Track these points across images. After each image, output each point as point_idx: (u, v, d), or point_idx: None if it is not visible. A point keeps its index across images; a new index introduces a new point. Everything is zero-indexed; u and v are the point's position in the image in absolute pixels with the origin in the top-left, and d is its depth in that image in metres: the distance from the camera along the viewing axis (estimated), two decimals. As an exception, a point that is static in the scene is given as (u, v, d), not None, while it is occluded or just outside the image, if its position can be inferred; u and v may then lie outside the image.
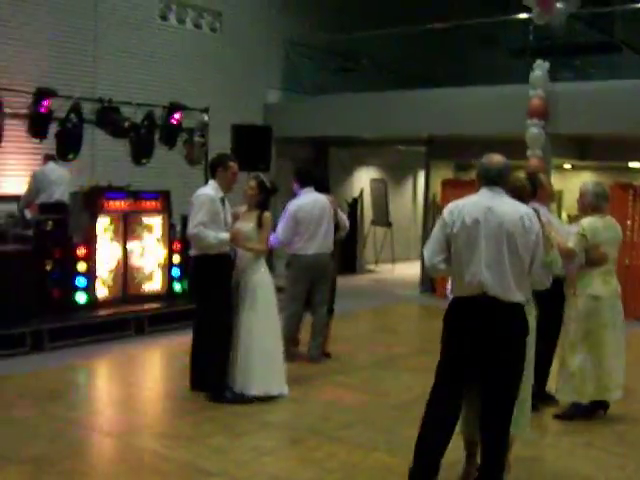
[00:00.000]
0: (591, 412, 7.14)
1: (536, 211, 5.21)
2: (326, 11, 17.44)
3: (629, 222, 12.67)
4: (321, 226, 8.61)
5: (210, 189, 7.37)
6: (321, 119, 15.86)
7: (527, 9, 13.67)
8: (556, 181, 12.22)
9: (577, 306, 6.97)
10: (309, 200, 8.66)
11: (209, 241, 7.13)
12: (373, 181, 19.28)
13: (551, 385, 7.35)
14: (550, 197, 7.59)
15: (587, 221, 6.95)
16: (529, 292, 5.16)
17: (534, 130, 13.09)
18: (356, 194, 18.78)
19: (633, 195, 12.79)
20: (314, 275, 8.60)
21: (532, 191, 7.39)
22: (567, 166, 17.22)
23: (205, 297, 7.40)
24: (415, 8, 17.49)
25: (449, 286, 9.82)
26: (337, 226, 8.99)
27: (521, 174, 5.70)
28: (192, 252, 7.45)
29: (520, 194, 5.45)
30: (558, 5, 13.03)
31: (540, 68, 13.23)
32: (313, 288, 8.74)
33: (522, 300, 5.02)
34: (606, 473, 5.88)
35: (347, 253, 17.87)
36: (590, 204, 7.04)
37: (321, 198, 8.74)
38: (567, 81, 14.43)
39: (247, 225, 7.38)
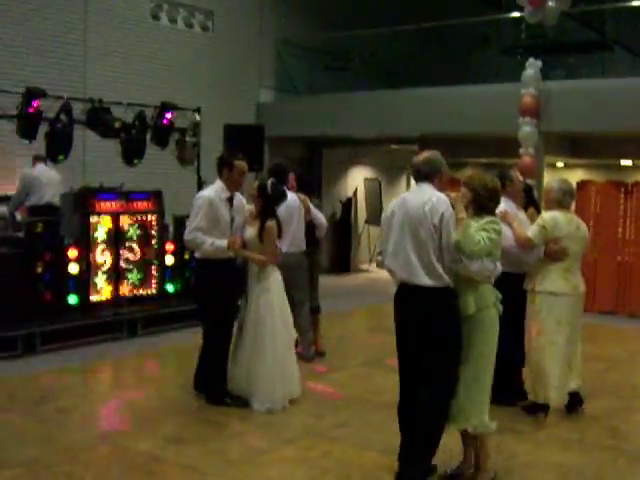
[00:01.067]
0: (570, 407, 7.10)
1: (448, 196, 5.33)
2: (318, 10, 17.42)
3: (621, 220, 12.68)
4: (290, 225, 8.38)
5: (212, 190, 7.18)
6: (314, 119, 15.84)
7: (519, 8, 13.68)
8: (548, 179, 12.20)
9: (534, 303, 6.97)
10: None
11: (205, 248, 7.00)
12: (367, 180, 19.26)
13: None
14: (520, 193, 7.58)
15: (548, 214, 6.97)
16: (445, 276, 5.18)
17: (526, 128, 13.11)
18: (350, 193, 18.76)
19: (625, 193, 12.80)
20: (286, 274, 8.39)
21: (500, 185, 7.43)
22: (560, 164, 17.24)
23: (205, 300, 7.33)
24: (407, 7, 17.47)
25: None
26: (313, 225, 8.89)
27: (488, 175, 5.68)
28: (196, 254, 7.35)
29: (490, 197, 5.50)
30: (550, 3, 13.04)
31: (532, 66, 13.24)
32: (289, 288, 8.58)
33: (435, 284, 5.15)
34: (598, 467, 5.90)
35: (341, 252, 17.86)
36: (556, 200, 7.01)
37: (290, 197, 8.59)
38: (559, 79, 14.43)
39: (252, 232, 7.20)
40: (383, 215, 5.66)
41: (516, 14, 14.45)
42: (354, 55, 17.68)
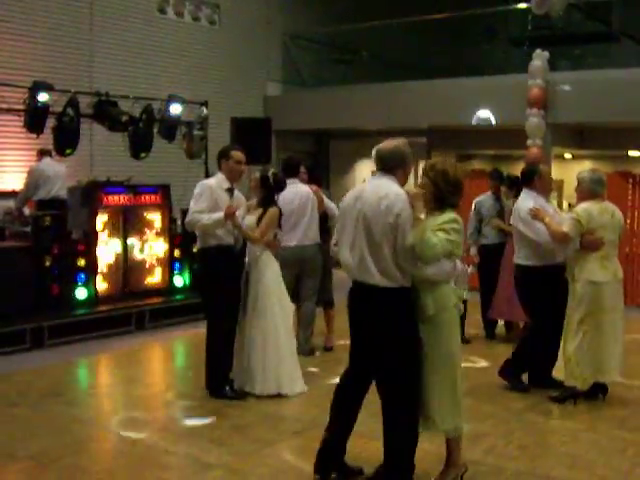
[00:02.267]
0: (590, 396, 7.14)
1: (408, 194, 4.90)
2: (325, 3, 17.39)
3: (629, 211, 12.64)
4: (303, 217, 8.39)
5: (213, 180, 7.25)
6: (321, 111, 15.84)
7: (527, -1, 13.65)
8: (556, 171, 12.19)
9: (575, 291, 6.98)
10: (289, 191, 8.26)
11: (203, 223, 6.93)
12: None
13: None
14: (549, 188, 7.64)
15: (581, 206, 7.01)
16: (400, 277, 4.87)
17: (534, 120, 13.08)
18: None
19: (632, 183, 12.75)
20: (299, 267, 8.35)
21: (529, 181, 7.45)
22: (567, 155, 17.19)
23: (205, 290, 7.40)
24: (414, -1, 17.44)
25: None
26: (325, 215, 8.88)
27: (451, 163, 5.15)
28: (197, 244, 7.36)
29: (451, 189, 5.03)
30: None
31: (539, 58, 13.20)
32: (300, 280, 8.49)
33: (390, 285, 4.85)
34: (608, 458, 5.87)
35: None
36: (588, 190, 7.05)
37: (303, 189, 8.54)
38: (566, 70, 14.39)
39: (252, 219, 7.22)
40: (340, 205, 5.30)
41: (523, 5, 14.40)
42: (361, 48, 17.64)
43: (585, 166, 15.81)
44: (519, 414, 6.85)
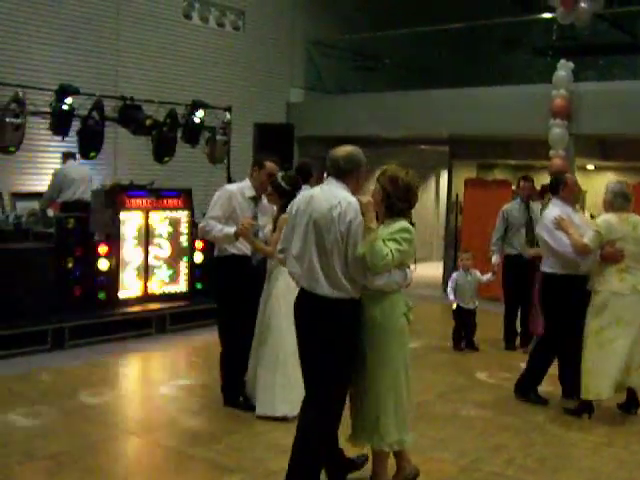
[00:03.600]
0: (625, 409, 7.18)
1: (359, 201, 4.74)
2: (348, 10, 17.40)
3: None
4: None
5: (235, 185, 7.11)
6: (343, 118, 15.84)
7: (551, 9, 13.60)
8: (579, 181, 12.12)
9: (594, 302, 6.98)
10: (301, 196, 8.01)
11: (214, 234, 6.77)
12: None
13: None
14: (575, 197, 7.64)
15: (601, 218, 7.06)
16: (349, 288, 4.74)
17: (557, 130, 13.03)
18: (378, 194, 18.70)
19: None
20: None
21: (556, 190, 7.46)
22: (590, 167, 17.12)
23: (218, 301, 7.19)
24: (437, 7, 17.42)
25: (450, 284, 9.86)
26: None
27: (402, 170, 5.03)
28: (215, 253, 7.17)
29: (401, 196, 4.98)
30: (582, 5, 12.96)
31: (564, 68, 13.16)
32: None
33: (339, 295, 4.72)
34: (629, 472, 5.85)
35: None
36: (608, 202, 7.07)
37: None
38: (591, 81, 14.33)
39: (269, 226, 6.88)
40: (287, 210, 5.19)
41: (548, 15, 14.36)
42: (384, 55, 17.65)
43: (608, 178, 15.74)
44: (539, 426, 6.83)
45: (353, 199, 4.74)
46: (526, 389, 7.50)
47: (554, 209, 7.32)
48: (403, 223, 4.88)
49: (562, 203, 7.36)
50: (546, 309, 7.55)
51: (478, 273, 9.69)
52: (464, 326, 9.71)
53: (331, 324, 4.75)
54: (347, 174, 4.85)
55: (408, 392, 5.04)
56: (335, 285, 4.71)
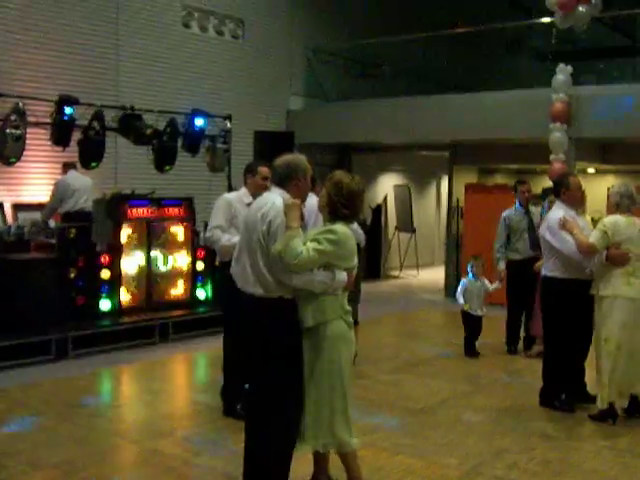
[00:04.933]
0: (629, 413, 7.12)
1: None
2: (348, 17, 17.46)
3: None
4: (306, 228, 8.27)
5: (233, 194, 7.22)
6: (343, 125, 15.87)
7: (550, 13, 13.63)
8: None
9: (600, 308, 6.94)
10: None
11: (222, 243, 6.86)
12: (397, 187, 19.27)
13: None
14: (578, 200, 7.55)
15: (609, 219, 6.99)
16: (275, 287, 4.79)
17: (557, 134, 13.05)
18: (380, 200, 18.78)
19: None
20: None
21: (558, 193, 7.45)
22: (590, 170, 17.13)
23: (223, 307, 7.22)
24: (437, 13, 17.48)
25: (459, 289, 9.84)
26: None
27: (348, 176, 5.09)
28: (217, 260, 7.27)
29: (344, 202, 4.96)
30: (580, 8, 12.98)
31: (563, 72, 13.18)
32: None
33: (266, 295, 4.81)
34: (632, 475, 5.85)
35: (371, 259, 17.86)
36: (614, 203, 7.05)
37: (313, 200, 8.41)
38: (590, 85, 14.35)
39: None
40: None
41: (547, 19, 14.39)
42: (384, 62, 17.69)
43: (608, 181, 15.79)
44: (541, 430, 6.83)
45: (279, 200, 4.86)
46: (548, 398, 7.44)
47: (558, 211, 7.28)
48: (335, 226, 4.90)
49: (566, 206, 7.33)
50: (545, 313, 7.50)
51: (487, 282, 9.67)
52: (472, 332, 9.70)
53: (264, 323, 4.85)
54: (286, 181, 5.01)
55: (347, 395, 4.97)
56: (262, 283, 4.83)
